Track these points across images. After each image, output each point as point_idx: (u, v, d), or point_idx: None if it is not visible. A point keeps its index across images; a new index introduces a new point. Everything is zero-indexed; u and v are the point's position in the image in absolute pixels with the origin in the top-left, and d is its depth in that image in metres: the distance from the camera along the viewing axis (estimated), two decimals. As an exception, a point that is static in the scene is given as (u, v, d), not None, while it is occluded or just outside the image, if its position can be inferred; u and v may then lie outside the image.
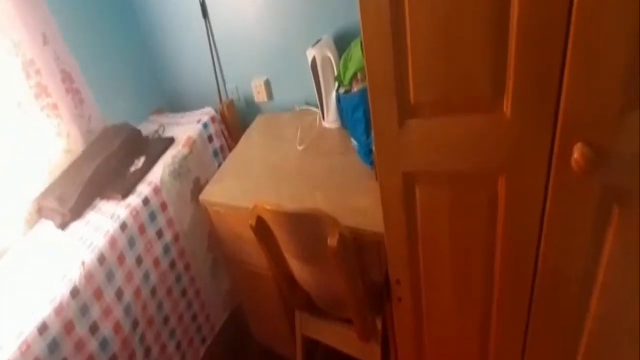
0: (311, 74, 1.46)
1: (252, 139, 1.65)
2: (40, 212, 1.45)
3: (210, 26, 1.72)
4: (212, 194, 1.41)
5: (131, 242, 1.31)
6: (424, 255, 0.95)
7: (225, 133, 1.72)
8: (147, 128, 1.71)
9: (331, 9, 1.46)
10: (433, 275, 0.96)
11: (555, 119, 0.67)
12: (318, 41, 1.43)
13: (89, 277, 1.17)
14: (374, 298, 1.12)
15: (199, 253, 1.58)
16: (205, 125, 1.64)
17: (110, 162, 1.49)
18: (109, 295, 1.22)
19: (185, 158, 1.52)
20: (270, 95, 1.76)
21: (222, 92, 1.84)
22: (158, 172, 1.45)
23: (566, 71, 0.63)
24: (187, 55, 1.86)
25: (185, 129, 1.64)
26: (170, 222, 1.44)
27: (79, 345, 1.13)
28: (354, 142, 1.32)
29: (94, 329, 1.17)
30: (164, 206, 1.42)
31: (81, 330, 1.14)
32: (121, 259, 1.27)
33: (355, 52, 1.29)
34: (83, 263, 1.18)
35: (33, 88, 1.47)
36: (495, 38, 0.65)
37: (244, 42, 1.68)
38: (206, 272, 1.63)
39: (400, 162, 0.84)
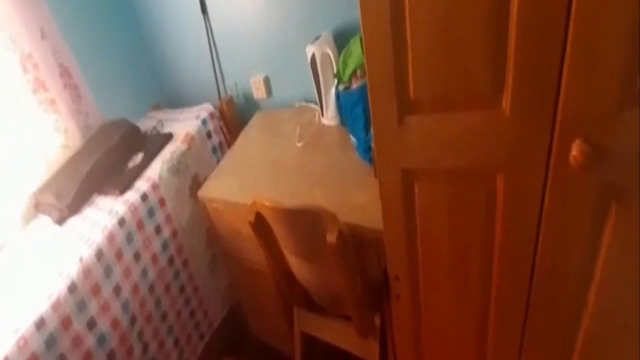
0: (310, 70, 1.46)
1: (251, 136, 1.65)
2: (37, 207, 1.45)
3: (209, 22, 1.72)
4: (211, 190, 1.41)
5: (129, 238, 1.31)
6: (423, 252, 0.95)
7: (224, 129, 1.72)
8: (146, 124, 1.71)
9: (331, 5, 1.46)
10: (431, 272, 0.97)
11: (554, 116, 0.68)
12: (317, 38, 1.43)
13: (86, 272, 1.18)
14: (373, 295, 1.12)
15: (198, 249, 1.58)
16: (204, 122, 1.64)
17: (108, 158, 1.49)
18: (107, 291, 1.22)
19: (183, 154, 1.52)
20: (269, 91, 1.76)
21: (221, 89, 1.84)
22: (156, 168, 1.45)
23: (565, 69, 0.63)
24: (186, 51, 1.86)
25: (184, 125, 1.64)
26: (168, 218, 1.44)
27: (77, 341, 1.13)
28: (352, 139, 1.33)
29: (91, 324, 1.18)
30: (162, 202, 1.42)
31: (79, 326, 1.14)
32: (119, 254, 1.27)
33: (355, 49, 1.29)
34: (81, 259, 1.18)
35: (31, 83, 1.47)
36: (494, 35, 0.65)
37: (243, 38, 1.68)
38: (205, 269, 1.63)
39: (399, 158, 0.84)
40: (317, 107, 1.57)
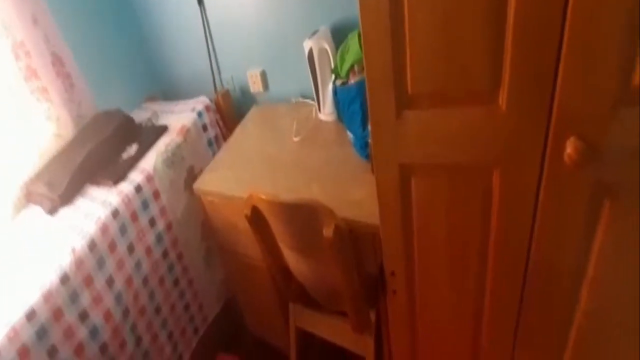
0: (308, 65, 1.47)
1: (247, 130, 1.65)
2: (28, 197, 1.44)
3: (205, 13, 1.72)
4: (207, 183, 1.41)
5: (123, 230, 1.31)
6: (419, 247, 0.97)
7: (220, 123, 1.72)
8: (140, 115, 1.70)
9: (329, 0, 1.47)
10: (427, 267, 0.98)
11: (549, 113, 0.69)
12: (315, 32, 1.44)
13: (79, 263, 1.18)
14: (369, 290, 1.14)
15: (193, 242, 1.58)
16: (199, 114, 1.65)
17: (102, 148, 1.48)
18: (100, 283, 1.22)
19: (179, 146, 1.52)
20: (266, 86, 1.77)
21: (217, 82, 1.84)
22: (151, 160, 1.45)
23: (561, 66, 0.65)
24: (182, 43, 1.86)
25: (179, 117, 1.64)
26: (163, 211, 1.44)
27: (68, 333, 1.14)
28: (350, 134, 1.34)
29: (83, 316, 1.18)
30: (156, 194, 1.42)
31: (70, 317, 1.14)
32: (112, 246, 1.27)
33: (353, 44, 1.30)
34: (73, 249, 1.18)
35: (22, 70, 1.46)
36: (492, 32, 0.67)
37: (240, 31, 1.69)
38: (199, 262, 1.64)
39: (396, 153, 0.85)
40: (314, 103, 1.57)
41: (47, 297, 1.09)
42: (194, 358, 1.63)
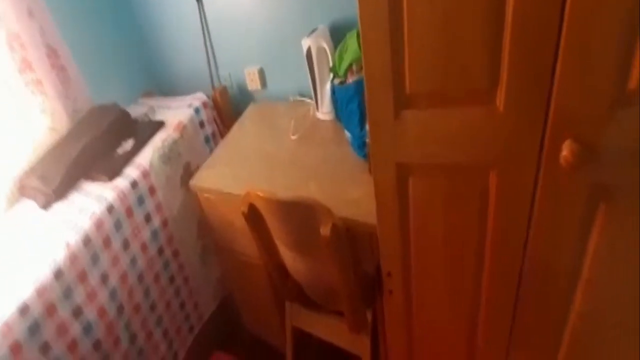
0: (306, 64, 1.47)
1: (245, 127, 1.65)
2: (22, 191, 1.43)
3: (203, 9, 1.71)
4: (204, 180, 1.41)
5: (118, 225, 1.30)
6: (416, 247, 0.97)
7: (217, 120, 1.72)
8: (136, 110, 1.69)
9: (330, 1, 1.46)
10: (424, 268, 0.99)
11: (546, 114, 0.70)
12: (313, 31, 1.44)
13: (73, 258, 1.17)
14: (366, 290, 1.14)
15: (189, 240, 1.58)
16: (197, 111, 1.64)
17: (97, 143, 1.47)
18: (94, 279, 1.22)
19: (175, 142, 1.52)
20: (264, 83, 1.77)
21: (215, 78, 1.83)
22: (147, 156, 1.44)
23: (558, 68, 0.65)
24: (180, 38, 1.85)
25: (176, 113, 1.63)
26: (159, 207, 1.43)
27: (62, 329, 1.13)
28: (347, 134, 1.34)
29: (77, 312, 1.17)
30: (152, 190, 1.41)
31: (64, 313, 1.13)
32: (107, 242, 1.27)
33: (351, 44, 1.30)
34: (67, 244, 1.17)
35: (17, 62, 1.44)
36: (491, 32, 0.67)
37: (239, 28, 1.68)
38: (195, 260, 1.63)
39: (394, 153, 0.86)
40: (312, 102, 1.57)
41: (41, 292, 1.08)
42: (190, 356, 1.63)
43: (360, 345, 1.23)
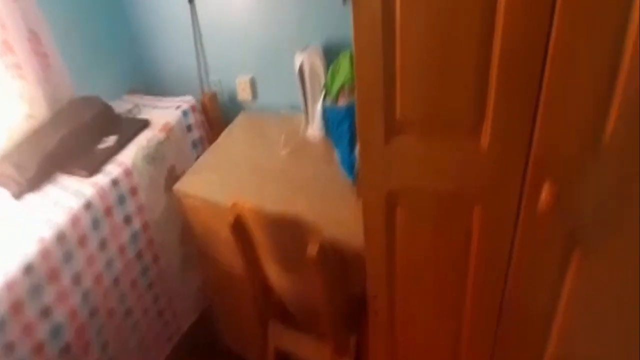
0: (298, 79, 1.48)
1: (234, 135, 1.65)
2: (-8, 178, 1.35)
3: (195, 12, 1.69)
4: (189, 185, 1.39)
5: (95, 224, 1.26)
6: (402, 272, 1.00)
7: (206, 125, 1.71)
8: (121, 106, 1.65)
9: (323, 16, 1.49)
10: (409, 292, 1.02)
11: (527, 154, 0.74)
12: (307, 47, 1.46)
13: (45, 254, 1.12)
14: (350, 311, 1.16)
15: (170, 246, 1.54)
16: (184, 113, 1.62)
17: (78, 135, 1.43)
18: (66, 278, 1.17)
19: (161, 143, 1.49)
20: (254, 94, 1.77)
21: (205, 84, 1.82)
22: (130, 154, 1.41)
23: (540, 111, 0.70)
24: (170, 39, 1.82)
25: (163, 113, 1.60)
26: (140, 209, 1.40)
27: (28, 329, 1.07)
28: (337, 153, 1.38)
29: (46, 312, 1.12)
30: (134, 190, 1.38)
31: (31, 312, 1.08)
32: (83, 240, 1.22)
33: (344, 65, 1.34)
34: (41, 238, 1.12)
35: (-2, 44, 1.39)
36: (478, 72, 0.71)
37: (232, 35, 1.68)
38: (176, 267, 1.59)
39: (383, 179, 0.88)
40: (303, 117, 1.60)
41: (9, 286, 1.03)
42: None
43: (343, 368, 1.24)
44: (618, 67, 0.62)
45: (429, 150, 0.82)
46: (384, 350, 1.15)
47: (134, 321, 1.43)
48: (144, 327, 1.47)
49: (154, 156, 1.46)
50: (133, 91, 1.85)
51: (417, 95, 0.77)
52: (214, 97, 1.78)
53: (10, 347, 1.03)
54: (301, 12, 1.52)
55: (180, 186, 1.40)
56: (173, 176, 1.50)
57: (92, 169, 1.35)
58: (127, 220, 1.37)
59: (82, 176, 1.34)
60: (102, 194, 1.29)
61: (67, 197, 1.26)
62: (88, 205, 1.25)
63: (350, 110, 1.27)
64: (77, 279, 1.20)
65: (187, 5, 1.67)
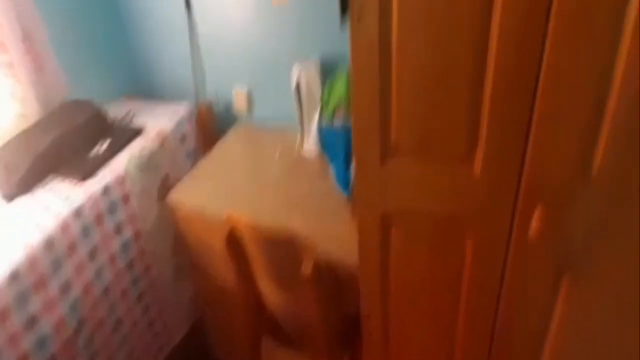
0: (295, 95, 1.50)
1: (229, 147, 1.65)
2: (-21, 178, 1.32)
3: (193, 20, 1.69)
4: (183, 195, 1.39)
5: (85, 232, 1.24)
6: (395, 292, 1.02)
7: (200, 134, 1.71)
8: (115, 111, 1.63)
9: (321, 32, 1.51)
10: (403, 312, 1.04)
11: (519, 181, 0.77)
12: (304, 62, 1.48)
13: (32, 261, 1.09)
14: (344, 330, 1.16)
15: (162, 256, 1.52)
16: (180, 122, 1.61)
17: (70, 138, 1.40)
18: (54, 287, 1.14)
19: (155, 151, 1.48)
20: (251, 107, 1.77)
21: (201, 92, 1.81)
22: (123, 161, 1.39)
23: (531, 137, 0.73)
24: (167, 45, 1.81)
25: (158, 120, 1.59)
26: (132, 218, 1.38)
27: (13, 340, 1.04)
28: (332, 169, 1.40)
29: (31, 322, 1.09)
30: (126, 199, 1.36)
31: (16, 322, 1.05)
32: (72, 248, 1.20)
33: (340, 83, 1.36)
34: (28, 244, 1.10)
35: (-11, 40, 1.37)
36: (471, 99, 0.74)
37: (229, 46, 1.69)
38: (168, 278, 1.57)
39: (378, 200, 0.91)
40: (299, 131, 1.61)
41: (-6, 295, 1.00)
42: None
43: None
44: (606, 97, 0.66)
45: (424, 173, 0.85)
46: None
47: (124, 332, 1.40)
48: (133, 338, 1.45)
49: (147, 164, 1.45)
50: (128, 96, 1.83)
51: (412, 120, 0.80)
52: (210, 107, 1.78)
53: (-7, 358, 1.01)
54: (300, 27, 1.54)
55: (174, 196, 1.39)
56: (166, 185, 1.49)
57: (84, 174, 1.33)
58: (119, 228, 1.35)
59: (73, 181, 1.32)
60: (93, 201, 1.27)
61: (57, 202, 1.23)
62: (78, 213, 1.23)
63: (346, 130, 1.29)
64: (65, 288, 1.18)
65: (185, 13, 1.67)
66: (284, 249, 1.08)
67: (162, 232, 1.50)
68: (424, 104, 0.77)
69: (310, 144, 1.58)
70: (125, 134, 1.51)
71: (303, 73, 1.45)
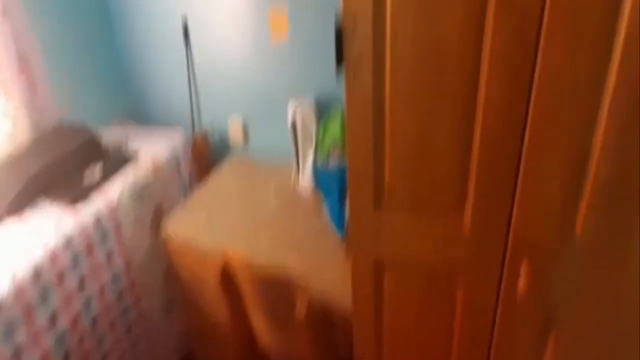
0: (290, 131, 1.54)
1: (224, 178, 1.67)
2: (-34, 200, 1.32)
3: (190, 52, 1.74)
4: (176, 227, 1.40)
5: (75, 261, 1.24)
6: (389, 336, 1.04)
7: (195, 164, 1.73)
8: (109, 135, 1.65)
9: (318, 70, 1.55)
10: (396, 357, 1.07)
11: (507, 237, 0.82)
12: (300, 99, 1.53)
13: (19, 293, 1.09)
14: None
15: (153, 288, 1.52)
16: (175, 150, 1.64)
17: (62, 162, 1.42)
18: (41, 319, 1.14)
19: (148, 180, 1.50)
20: (246, 139, 1.80)
21: (196, 121, 1.84)
22: (116, 189, 1.41)
23: (516, 198, 0.78)
24: (163, 72, 1.85)
25: (153, 147, 1.62)
26: (123, 248, 1.39)
27: (-5, 373, 1.04)
28: (326, 207, 1.44)
29: (17, 354, 1.08)
30: (118, 228, 1.37)
31: (1, 355, 1.04)
32: (60, 278, 1.20)
33: (334, 125, 1.41)
34: (14, 275, 1.10)
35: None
36: (460, 158, 0.79)
37: (226, 78, 1.72)
38: (158, 311, 1.56)
39: (372, 246, 0.94)
40: (294, 166, 1.62)
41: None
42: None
43: None
44: (587, 161, 0.71)
45: (415, 224, 0.89)
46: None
47: (111, 367, 1.40)
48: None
49: (140, 193, 1.47)
50: (123, 120, 1.85)
51: (404, 172, 0.85)
52: (205, 136, 1.80)
53: (-26, 393, 0.99)
54: (297, 65, 1.58)
55: (167, 227, 1.40)
56: (159, 214, 1.51)
57: (76, 201, 1.33)
58: (109, 258, 1.35)
59: (64, 207, 1.32)
60: (83, 229, 1.27)
61: (47, 229, 1.24)
62: (69, 241, 1.23)
63: (340, 171, 1.34)
64: (52, 320, 1.17)
65: (183, 43, 1.71)
66: (279, 289, 1.10)
67: (154, 262, 1.51)
68: (416, 158, 0.82)
69: (306, 179, 1.61)
70: (119, 160, 1.53)
71: (299, 110, 1.50)
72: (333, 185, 1.37)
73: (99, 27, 1.81)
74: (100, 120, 1.77)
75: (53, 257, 1.19)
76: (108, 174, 1.47)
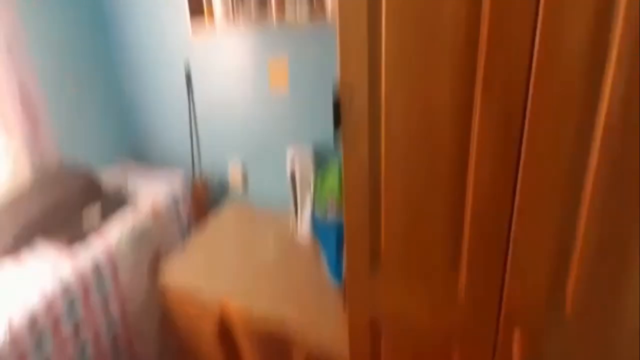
0: (289, 180, 1.58)
1: (223, 224, 1.69)
2: (-35, 241, 1.34)
3: (192, 97, 1.79)
4: (174, 274, 1.41)
5: (70, 307, 1.26)
6: None
7: (194, 208, 1.76)
8: (109, 176, 1.69)
9: (317, 120, 1.61)
10: None
11: (499, 305, 0.83)
12: (299, 148, 1.57)
13: (13, 341, 1.10)
14: None
15: (148, 335, 1.51)
16: (174, 194, 1.67)
17: (62, 204, 1.45)
18: (34, 366, 1.15)
19: (147, 224, 1.53)
20: (246, 185, 1.84)
21: (197, 164, 1.88)
22: (114, 233, 1.43)
23: (507, 268, 0.79)
24: (165, 115, 1.90)
25: (153, 189, 1.65)
26: (120, 293, 1.40)
27: None
28: (324, 258, 1.45)
29: (6, 405, 1.08)
30: (115, 273, 1.39)
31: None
32: (56, 325, 1.21)
33: (332, 176, 1.45)
34: (9, 323, 1.11)
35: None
36: (453, 228, 0.81)
37: (226, 124, 1.77)
38: (152, 358, 1.54)
39: (368, 307, 0.96)
40: (293, 214, 1.65)
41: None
42: None
43: None
44: (574, 235, 0.73)
45: (411, 288, 0.91)
46: None
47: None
48: None
49: (139, 238, 1.49)
50: (124, 160, 1.90)
51: (399, 238, 0.87)
52: (205, 182, 1.84)
53: None
54: (296, 113, 1.63)
55: (165, 274, 1.41)
56: (157, 259, 1.52)
57: (74, 244, 1.36)
58: (105, 304, 1.36)
59: (62, 248, 1.34)
60: (81, 274, 1.29)
61: (44, 273, 1.25)
62: (66, 287, 1.25)
63: (338, 224, 1.37)
64: (45, 367, 1.18)
65: (185, 87, 1.77)
66: (276, 343, 1.10)
67: (150, 310, 1.51)
68: (410, 226, 0.85)
69: (304, 228, 1.62)
70: (119, 203, 1.56)
71: (297, 159, 1.54)
72: (330, 236, 1.40)
73: (103, 70, 1.88)
74: (102, 160, 1.82)
75: (49, 304, 1.20)
76: (107, 215, 1.50)
